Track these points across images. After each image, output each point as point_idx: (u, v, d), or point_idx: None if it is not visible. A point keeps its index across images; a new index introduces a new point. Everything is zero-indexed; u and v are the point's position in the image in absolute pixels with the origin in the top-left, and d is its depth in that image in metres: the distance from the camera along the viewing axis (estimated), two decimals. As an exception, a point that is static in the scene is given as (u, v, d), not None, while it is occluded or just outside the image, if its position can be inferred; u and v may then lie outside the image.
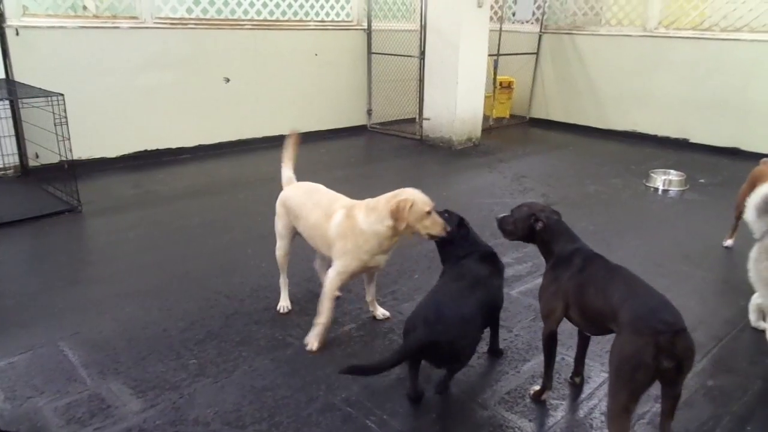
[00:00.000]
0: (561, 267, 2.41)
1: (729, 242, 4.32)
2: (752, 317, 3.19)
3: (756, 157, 6.81)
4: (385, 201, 2.67)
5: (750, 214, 2.90)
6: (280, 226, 3.12)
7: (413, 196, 2.64)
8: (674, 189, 5.75)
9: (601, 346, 2.97)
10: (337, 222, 2.74)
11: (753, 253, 2.87)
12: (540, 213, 2.50)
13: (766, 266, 2.77)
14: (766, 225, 2.85)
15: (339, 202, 2.88)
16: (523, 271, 3.82)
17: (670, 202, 5.50)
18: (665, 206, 5.40)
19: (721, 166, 6.67)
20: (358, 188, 5.87)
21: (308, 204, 2.94)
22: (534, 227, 2.50)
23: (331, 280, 2.78)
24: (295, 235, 3.11)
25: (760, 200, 2.86)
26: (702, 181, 6.04)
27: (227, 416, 2.38)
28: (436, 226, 2.66)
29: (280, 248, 3.15)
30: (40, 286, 3.48)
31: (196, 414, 2.39)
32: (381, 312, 3.18)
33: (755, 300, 3.13)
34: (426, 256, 4.00)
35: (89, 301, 3.32)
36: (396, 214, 2.59)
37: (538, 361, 2.82)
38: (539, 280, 3.65)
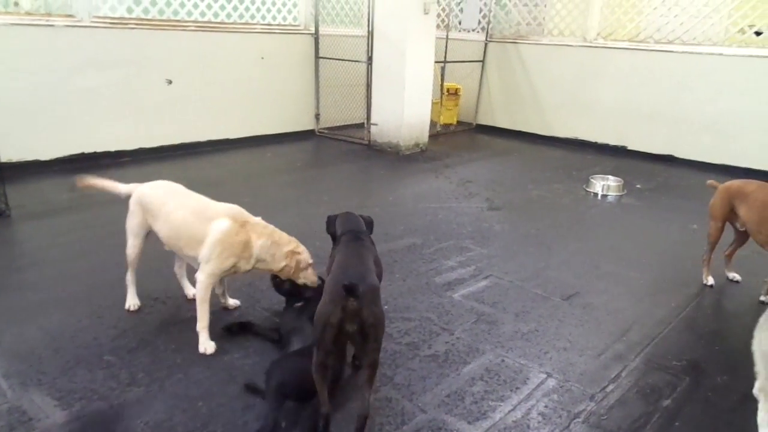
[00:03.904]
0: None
1: (710, 280, 3.87)
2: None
3: (689, 164, 7.18)
4: (288, 245, 2.86)
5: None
6: (133, 224, 3.05)
7: (308, 259, 2.93)
8: (612, 194, 5.93)
9: (539, 347, 3.03)
10: (224, 229, 2.77)
11: (762, 319, 2.29)
12: None
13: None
14: None
15: (213, 206, 2.91)
16: (466, 275, 3.85)
17: (608, 207, 5.67)
18: (603, 210, 5.57)
19: (656, 173, 6.94)
20: (304, 192, 5.85)
21: (171, 203, 2.94)
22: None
23: (202, 287, 2.81)
24: (148, 234, 3.08)
25: None
26: (638, 186, 6.26)
27: (159, 427, 2.28)
28: (309, 278, 2.97)
29: (134, 246, 3.09)
30: (-39, 295, 3.28)
31: (126, 425, 2.29)
32: (232, 302, 3.29)
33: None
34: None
35: (14, 309, 3.15)
36: (292, 269, 2.87)
37: (478, 363, 2.85)
38: (482, 283, 3.75)
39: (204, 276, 2.79)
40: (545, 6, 8.54)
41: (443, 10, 8.67)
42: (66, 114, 5.80)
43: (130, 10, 6.19)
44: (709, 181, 3.96)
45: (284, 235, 2.92)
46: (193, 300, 3.07)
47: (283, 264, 2.85)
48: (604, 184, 6.01)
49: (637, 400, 2.64)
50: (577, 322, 3.32)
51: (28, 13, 5.57)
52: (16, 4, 5.58)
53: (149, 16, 6.35)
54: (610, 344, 3.11)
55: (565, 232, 4.81)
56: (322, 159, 7.28)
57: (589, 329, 3.25)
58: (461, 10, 9.15)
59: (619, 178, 6.14)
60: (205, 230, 2.78)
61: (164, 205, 2.93)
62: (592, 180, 6.09)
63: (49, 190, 5.22)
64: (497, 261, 4.13)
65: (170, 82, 6.54)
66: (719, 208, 3.76)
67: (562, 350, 3.02)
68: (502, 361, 2.89)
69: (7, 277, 3.57)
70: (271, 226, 2.92)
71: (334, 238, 2.75)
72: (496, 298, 3.57)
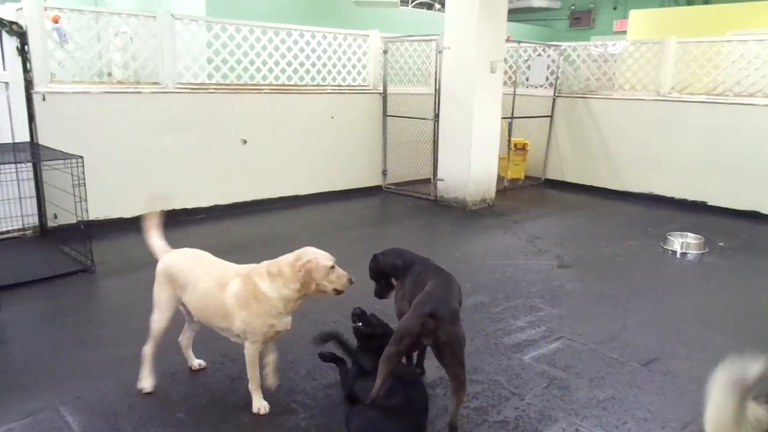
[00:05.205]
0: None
1: None
2: None
3: (776, 220, 6.75)
4: (288, 265, 2.62)
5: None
6: (162, 296, 2.86)
7: (315, 255, 2.64)
8: (692, 252, 5.63)
9: (617, 417, 2.85)
10: (234, 291, 2.65)
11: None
12: None
13: None
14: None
15: (230, 269, 2.78)
16: (536, 336, 3.72)
17: (689, 266, 5.38)
18: (683, 270, 5.29)
19: (740, 230, 6.56)
20: (371, 248, 5.84)
21: (198, 271, 2.78)
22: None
23: (249, 352, 2.72)
24: (178, 306, 2.91)
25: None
26: (721, 244, 5.92)
27: (225, 488, 2.29)
28: (340, 279, 2.68)
29: (163, 319, 2.87)
30: (47, 348, 3.46)
31: (193, 485, 2.31)
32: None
33: None
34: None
35: (95, 363, 3.29)
36: (305, 278, 2.58)
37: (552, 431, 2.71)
38: (553, 345, 3.61)
39: (248, 344, 2.71)
40: (615, 61, 8.45)
41: (510, 67, 8.74)
42: (148, 172, 6.16)
43: (210, 76, 6.61)
44: None
45: (282, 258, 2.68)
46: (199, 370, 3.17)
47: (294, 287, 2.60)
48: (683, 242, 5.72)
49: (730, 481, 2.42)
50: (658, 391, 3.12)
51: (120, 82, 6.05)
52: (110, 74, 6.07)
53: (227, 81, 6.75)
54: (696, 416, 2.88)
55: (641, 292, 4.59)
56: (389, 215, 7.35)
57: (672, 399, 3.04)
58: (528, 67, 9.20)
59: (699, 236, 5.84)
60: (224, 298, 2.66)
61: (192, 273, 2.78)
62: (669, 237, 5.82)
63: (131, 246, 5.49)
64: (569, 322, 3.98)
65: (245, 141, 6.86)
66: None
67: (642, 421, 2.83)
68: (577, 430, 2.74)
69: (91, 332, 3.75)
70: (269, 261, 2.71)
71: (390, 270, 3.17)
72: (568, 361, 3.42)
